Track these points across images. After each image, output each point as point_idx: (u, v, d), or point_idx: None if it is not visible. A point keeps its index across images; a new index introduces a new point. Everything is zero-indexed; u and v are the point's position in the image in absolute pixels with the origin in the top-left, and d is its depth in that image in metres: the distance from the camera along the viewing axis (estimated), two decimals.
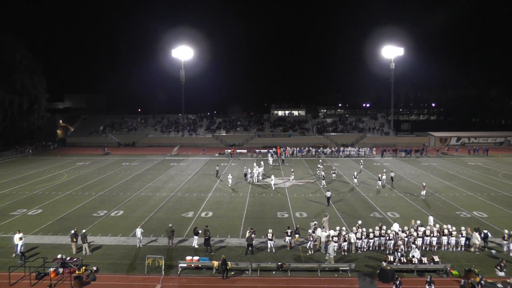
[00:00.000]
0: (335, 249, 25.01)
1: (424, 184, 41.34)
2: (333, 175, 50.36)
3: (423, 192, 39.79)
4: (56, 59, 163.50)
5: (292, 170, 52.80)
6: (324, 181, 46.35)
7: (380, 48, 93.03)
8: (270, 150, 68.90)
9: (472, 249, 26.29)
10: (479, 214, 34.42)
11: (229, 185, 45.35)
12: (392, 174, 47.81)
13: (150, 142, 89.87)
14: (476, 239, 26.17)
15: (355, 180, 46.16)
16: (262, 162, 56.04)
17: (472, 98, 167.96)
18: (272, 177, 46.80)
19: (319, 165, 53.74)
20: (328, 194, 37.87)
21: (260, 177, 49.26)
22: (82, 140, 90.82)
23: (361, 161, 60.52)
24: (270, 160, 62.02)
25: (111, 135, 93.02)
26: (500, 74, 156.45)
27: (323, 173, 48.38)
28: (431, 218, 30.22)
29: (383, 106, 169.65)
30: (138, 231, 26.99)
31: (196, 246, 27.00)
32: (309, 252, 26.10)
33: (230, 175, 47.46)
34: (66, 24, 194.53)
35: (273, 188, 44.00)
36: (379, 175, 46.28)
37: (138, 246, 26.85)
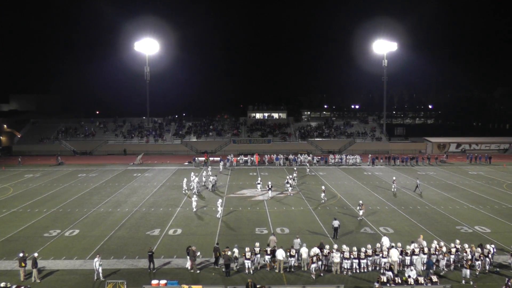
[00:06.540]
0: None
1: (360, 202, 38.52)
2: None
3: (361, 212, 37.92)
4: None
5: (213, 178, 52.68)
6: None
7: (370, 43, 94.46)
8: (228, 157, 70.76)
9: None
10: (482, 228, 35.13)
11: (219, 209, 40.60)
12: (419, 182, 50.12)
13: (110, 150, 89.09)
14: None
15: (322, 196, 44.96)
16: (210, 171, 57.53)
17: (473, 100, 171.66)
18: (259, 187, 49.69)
19: (293, 175, 55.06)
20: (336, 223, 32.78)
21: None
22: (31, 148, 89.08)
23: (307, 164, 67.65)
24: (221, 167, 64.49)
25: (65, 142, 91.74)
26: (505, 73, 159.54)
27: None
28: None
29: (375, 108, 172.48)
30: (97, 262, 25.29)
31: (188, 267, 26.97)
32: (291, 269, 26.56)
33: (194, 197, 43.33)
34: (10, 11, 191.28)
35: (194, 209, 41.43)
36: (393, 178, 51.34)
37: (95, 279, 25.32)
